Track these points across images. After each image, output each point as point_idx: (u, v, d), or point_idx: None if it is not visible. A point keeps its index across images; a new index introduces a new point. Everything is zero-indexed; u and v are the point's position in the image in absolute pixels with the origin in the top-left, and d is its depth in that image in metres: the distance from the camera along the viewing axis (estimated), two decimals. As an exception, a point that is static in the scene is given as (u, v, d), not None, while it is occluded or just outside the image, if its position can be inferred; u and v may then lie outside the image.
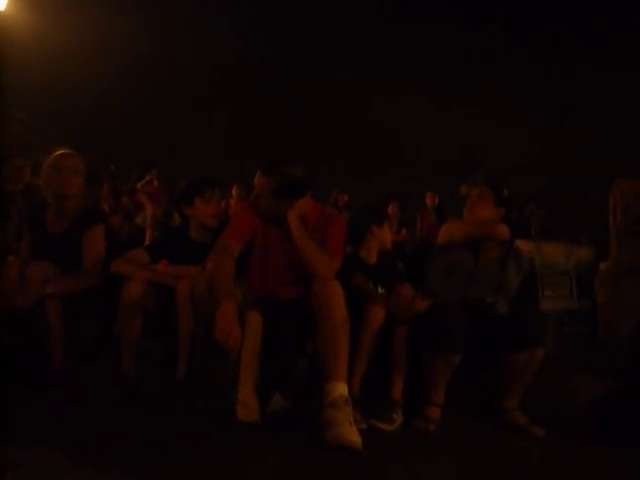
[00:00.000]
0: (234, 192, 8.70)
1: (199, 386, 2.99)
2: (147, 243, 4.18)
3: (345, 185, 8.97)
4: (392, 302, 3.20)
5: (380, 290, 3.46)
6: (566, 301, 4.56)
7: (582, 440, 3.07)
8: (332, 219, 3.24)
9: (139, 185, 9.12)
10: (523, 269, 3.55)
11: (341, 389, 2.74)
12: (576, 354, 4.35)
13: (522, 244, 4.46)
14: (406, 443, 2.90)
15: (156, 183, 9.18)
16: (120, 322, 3.34)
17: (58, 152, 3.71)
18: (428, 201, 9.58)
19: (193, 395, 3.00)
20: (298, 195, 3.10)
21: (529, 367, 3.19)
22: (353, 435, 2.63)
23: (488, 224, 3.50)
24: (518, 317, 3.26)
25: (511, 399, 3.27)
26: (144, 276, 3.33)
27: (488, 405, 3.34)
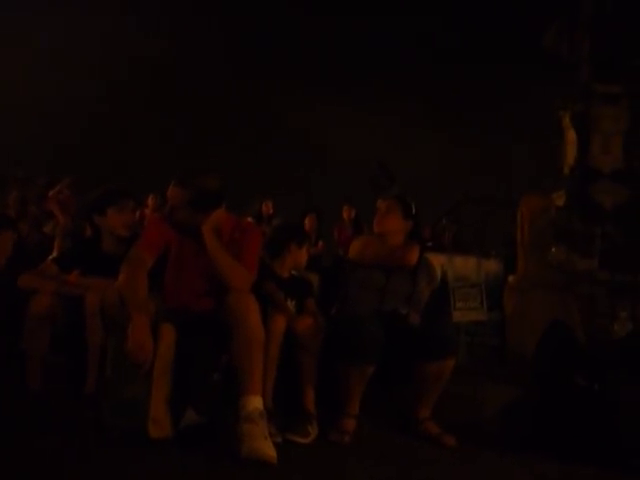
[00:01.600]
0: (150, 202, 8.49)
1: (109, 401, 2.88)
2: (55, 253, 4.02)
3: (272, 195, 8.96)
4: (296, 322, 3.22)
5: (290, 304, 3.46)
6: (476, 313, 4.71)
7: (490, 447, 3.16)
8: (248, 231, 3.21)
9: (50, 193, 8.75)
10: (434, 281, 3.64)
11: (256, 402, 2.71)
12: (486, 364, 4.49)
13: (435, 257, 4.57)
14: (321, 455, 2.90)
15: (67, 192, 8.84)
16: (27, 335, 3.22)
17: None
18: (345, 214, 9.67)
19: (102, 410, 2.89)
20: (213, 207, 3.07)
21: (441, 376, 3.26)
22: (268, 449, 2.61)
23: (399, 253, 3.56)
24: (430, 328, 3.34)
25: (424, 409, 3.33)
26: (53, 287, 3.20)
27: (402, 415, 3.39)
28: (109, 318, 2.92)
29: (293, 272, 3.71)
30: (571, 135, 7.59)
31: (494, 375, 4.15)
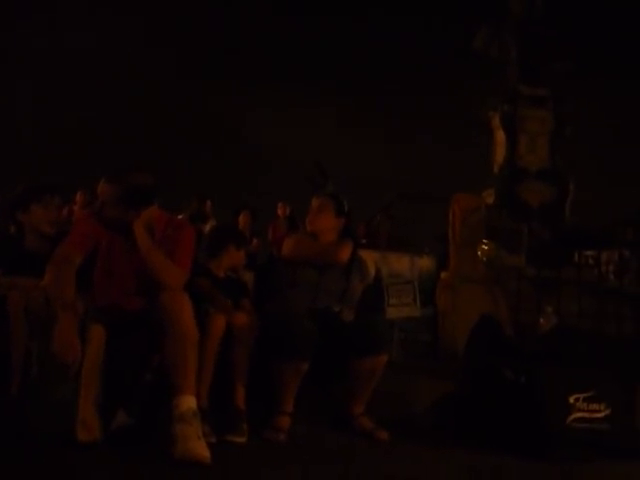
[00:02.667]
0: (78, 198, 8.25)
1: (35, 403, 2.78)
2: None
3: (208, 193, 8.83)
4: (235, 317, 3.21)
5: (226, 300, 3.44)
6: (410, 309, 4.78)
7: (423, 441, 3.22)
8: (181, 229, 3.16)
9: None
10: (367, 278, 3.68)
11: (189, 402, 2.67)
12: (419, 359, 4.56)
13: (369, 254, 4.62)
14: (256, 454, 2.88)
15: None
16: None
17: None
18: (279, 211, 9.65)
19: (28, 413, 2.79)
20: (145, 204, 3.00)
21: (374, 372, 3.30)
22: (202, 449, 2.57)
23: (331, 251, 3.58)
24: (364, 324, 3.37)
25: (358, 405, 3.36)
26: (-28, 287, 3.06)
27: (336, 411, 3.40)
28: (35, 318, 2.82)
29: (228, 273, 3.68)
30: (500, 135, 7.81)
31: (427, 370, 4.23)
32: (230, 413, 3.08)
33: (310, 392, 3.34)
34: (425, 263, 6.03)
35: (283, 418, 3.17)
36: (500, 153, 7.78)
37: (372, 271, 3.79)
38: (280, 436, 3.09)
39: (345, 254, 3.57)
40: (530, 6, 8.11)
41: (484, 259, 5.18)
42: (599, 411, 3.14)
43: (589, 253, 6.83)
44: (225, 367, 3.14)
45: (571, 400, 3.12)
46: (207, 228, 6.40)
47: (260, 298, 3.64)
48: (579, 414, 3.11)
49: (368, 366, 3.26)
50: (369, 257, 4.20)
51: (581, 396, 3.13)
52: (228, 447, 2.88)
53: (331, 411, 3.43)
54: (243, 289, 3.66)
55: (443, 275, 5.49)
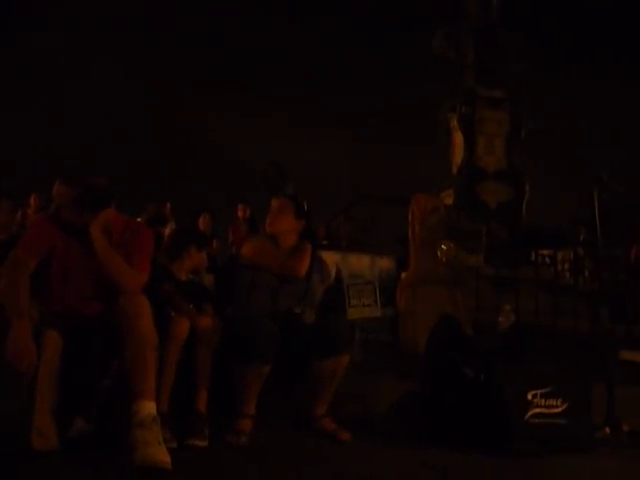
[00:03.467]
0: (32, 202, 8.07)
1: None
2: None
3: (168, 195, 8.74)
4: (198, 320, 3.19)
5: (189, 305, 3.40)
6: (370, 310, 4.79)
7: (385, 440, 3.24)
8: (138, 232, 3.11)
9: None
10: (328, 279, 3.68)
11: (149, 408, 2.63)
12: (380, 359, 4.58)
13: (329, 255, 4.62)
14: (218, 458, 2.86)
15: None
16: None
17: None
18: (239, 213, 9.61)
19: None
20: (101, 206, 2.95)
21: (336, 373, 3.31)
22: (162, 455, 2.53)
23: (290, 265, 3.55)
24: (325, 325, 3.37)
25: (320, 406, 3.36)
26: None
27: (298, 413, 3.40)
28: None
29: (190, 276, 3.64)
30: (458, 137, 7.90)
31: (388, 370, 4.25)
32: (192, 417, 3.06)
33: (272, 394, 3.33)
34: (385, 264, 6.07)
35: (245, 421, 3.15)
36: (458, 154, 7.87)
37: (333, 272, 3.79)
38: (242, 439, 3.07)
39: (303, 268, 3.54)
40: (486, 8, 8.22)
41: (444, 259, 5.24)
42: (556, 406, 3.20)
43: (545, 252, 6.96)
44: (188, 371, 3.11)
45: (529, 396, 3.17)
46: (166, 231, 6.32)
47: (221, 301, 3.61)
48: (537, 410, 3.17)
49: (330, 367, 3.27)
50: (329, 258, 4.20)
51: (539, 392, 3.18)
52: (189, 452, 2.85)
53: (293, 413, 3.43)
54: (205, 293, 3.63)
55: (403, 275, 5.53)
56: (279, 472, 2.74)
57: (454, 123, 7.97)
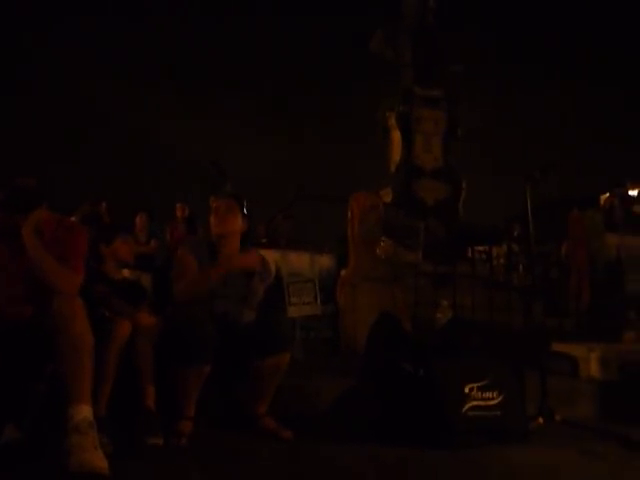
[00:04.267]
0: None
1: None
2: None
3: (104, 194, 8.52)
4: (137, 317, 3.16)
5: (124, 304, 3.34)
6: (310, 307, 4.80)
7: (327, 438, 3.25)
8: (72, 230, 3.03)
9: None
10: (268, 278, 3.65)
11: (85, 412, 2.56)
12: (320, 357, 4.59)
13: (269, 253, 4.60)
14: (157, 461, 2.81)
15: None
16: None
17: None
18: (178, 212, 9.48)
19: None
20: (32, 206, 2.87)
21: (277, 372, 3.31)
22: (99, 460, 2.47)
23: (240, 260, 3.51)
24: (266, 324, 3.36)
25: (261, 405, 3.35)
26: None
27: (239, 413, 3.38)
28: None
29: (125, 273, 3.57)
30: (396, 135, 7.99)
31: (329, 368, 4.26)
32: (143, 415, 3.01)
33: (213, 394, 3.30)
34: (325, 261, 6.08)
35: (184, 423, 3.11)
36: (397, 152, 7.96)
37: (273, 270, 3.77)
38: (182, 441, 3.03)
39: (253, 261, 3.51)
40: (424, 9, 8.34)
41: (382, 256, 5.29)
42: (492, 399, 3.28)
43: (481, 249, 7.12)
44: (132, 371, 3.05)
45: (466, 390, 3.25)
46: (102, 230, 6.17)
47: (160, 301, 3.55)
48: (474, 402, 3.24)
49: (271, 365, 3.27)
50: (269, 256, 4.19)
51: (475, 385, 3.26)
52: (127, 456, 2.79)
53: (234, 413, 3.41)
54: (140, 290, 3.56)
55: (343, 273, 5.55)
56: (220, 473, 2.71)
57: (392, 122, 8.06)
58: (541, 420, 3.53)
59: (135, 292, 3.49)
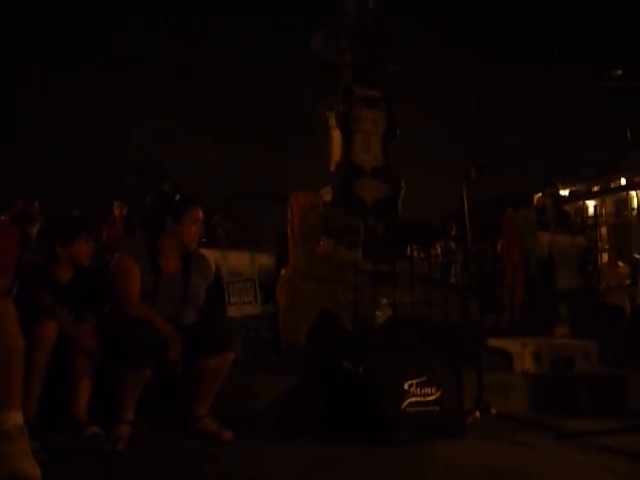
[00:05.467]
0: None
1: None
2: None
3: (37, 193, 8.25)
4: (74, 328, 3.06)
5: (69, 314, 3.22)
6: (251, 307, 4.78)
7: (268, 437, 3.24)
8: (1, 231, 2.92)
9: None
10: (208, 277, 3.61)
11: (15, 418, 2.47)
12: (261, 357, 4.57)
13: (209, 253, 4.55)
14: (94, 466, 2.74)
15: None
16: None
17: None
18: (116, 211, 9.29)
19: None
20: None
21: (220, 372, 3.28)
22: (31, 468, 2.39)
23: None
24: (207, 324, 3.32)
25: (202, 406, 3.31)
26: None
27: (178, 414, 3.33)
28: None
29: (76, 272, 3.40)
30: (336, 134, 8.03)
31: (269, 367, 4.25)
32: (73, 422, 2.93)
33: (154, 396, 3.25)
34: (265, 260, 6.06)
35: (123, 427, 3.05)
36: (336, 152, 8.00)
37: (213, 270, 3.72)
38: (119, 445, 2.97)
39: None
40: (363, 9, 8.41)
41: (322, 255, 5.31)
42: (431, 394, 3.34)
43: (420, 247, 7.23)
44: (62, 377, 2.96)
45: (406, 386, 3.29)
46: (34, 230, 5.98)
47: (97, 302, 3.44)
48: (413, 399, 3.29)
49: (214, 365, 3.24)
50: (209, 255, 4.14)
51: (414, 382, 3.30)
52: (61, 463, 2.71)
53: (175, 414, 3.36)
54: (88, 294, 3.39)
55: (283, 272, 5.54)
56: (157, 477, 2.67)
57: (332, 121, 8.09)
58: (478, 414, 3.61)
59: (81, 296, 3.35)
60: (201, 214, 3.51)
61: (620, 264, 9.25)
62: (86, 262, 3.46)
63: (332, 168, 7.99)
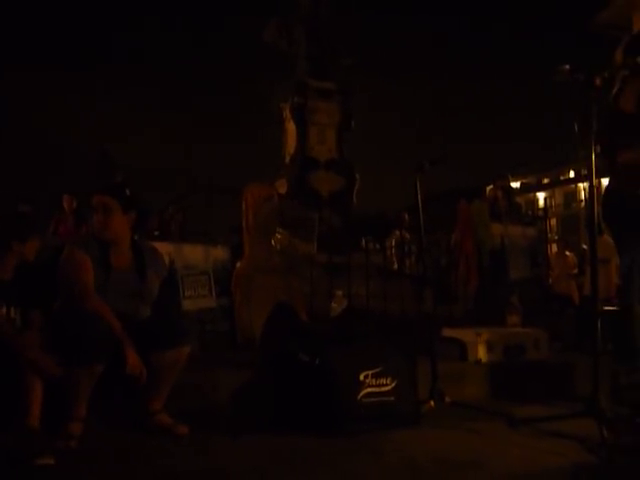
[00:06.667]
0: None
1: None
2: None
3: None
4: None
5: (13, 311, 3.13)
6: (206, 300, 4.74)
7: (224, 431, 3.22)
8: None
9: None
10: (162, 272, 3.55)
11: None
12: (217, 350, 4.55)
13: (163, 246, 4.50)
14: (45, 467, 2.68)
15: None
16: None
17: None
18: (65, 204, 9.09)
19: None
20: None
21: (175, 366, 3.24)
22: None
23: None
24: (163, 318, 3.27)
25: (157, 401, 3.28)
26: None
27: (132, 410, 3.29)
28: None
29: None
30: (291, 126, 8.02)
31: (225, 360, 4.22)
32: (28, 435, 2.82)
33: (108, 392, 3.19)
34: (220, 253, 6.01)
35: (74, 424, 2.98)
36: (291, 144, 7.99)
37: (166, 263, 3.67)
38: (71, 443, 2.91)
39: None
40: (317, 1, 8.40)
41: (278, 248, 5.30)
42: (386, 385, 3.36)
43: (375, 238, 7.29)
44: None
45: (361, 377, 3.31)
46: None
47: (46, 297, 3.36)
48: (369, 389, 3.31)
49: (169, 360, 3.20)
50: (163, 249, 4.09)
51: (370, 372, 3.33)
52: (12, 467, 2.65)
53: (130, 410, 3.31)
54: (34, 293, 3.30)
55: (238, 265, 5.51)
56: (113, 475, 2.63)
57: (287, 113, 8.08)
58: (432, 403, 3.65)
59: (26, 295, 3.26)
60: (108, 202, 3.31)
61: (567, 254, 9.50)
62: (31, 258, 3.38)
63: (287, 160, 7.98)
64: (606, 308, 4.68)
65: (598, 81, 3.01)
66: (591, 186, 3.10)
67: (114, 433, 3.16)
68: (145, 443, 3.05)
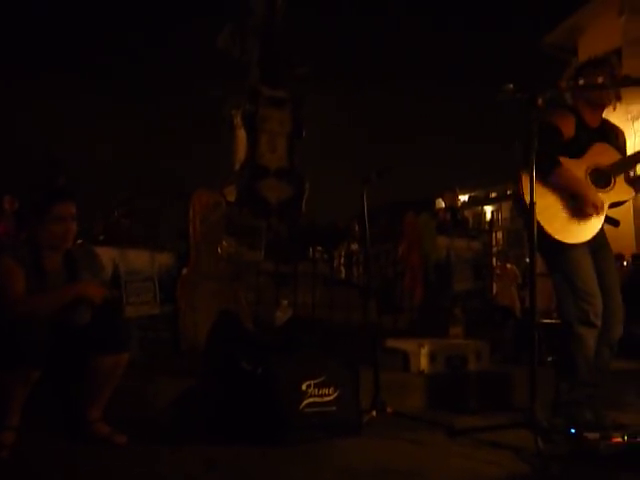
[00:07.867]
0: None
1: None
2: None
3: None
4: None
5: None
6: (149, 307, 4.66)
7: (162, 440, 3.18)
8: None
9: None
10: (99, 274, 3.49)
11: None
12: (159, 358, 4.48)
13: (107, 251, 4.42)
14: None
15: None
16: None
17: None
18: (6, 205, 8.87)
19: None
20: None
21: (114, 373, 3.18)
22: None
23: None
24: (103, 324, 3.21)
25: (95, 409, 3.22)
26: None
27: (69, 419, 3.21)
28: None
29: None
30: (242, 134, 8.00)
31: (167, 368, 4.16)
32: None
33: (43, 399, 3.11)
34: (165, 259, 5.93)
35: (6, 433, 2.90)
36: (241, 151, 7.97)
37: (103, 266, 3.58)
38: (3, 453, 2.82)
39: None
40: (271, 9, 8.41)
41: (224, 255, 5.26)
42: (328, 395, 3.37)
43: (322, 248, 7.31)
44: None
45: (304, 387, 3.31)
46: None
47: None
48: (311, 399, 3.31)
49: (108, 366, 3.14)
50: (106, 254, 4.01)
51: (312, 382, 3.33)
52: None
53: (66, 418, 3.23)
54: None
55: (184, 271, 5.46)
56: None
57: (238, 120, 8.06)
58: (374, 413, 3.67)
59: None
60: (71, 210, 3.27)
61: (509, 266, 9.71)
62: None
63: (237, 167, 7.96)
64: (544, 321, 4.79)
65: (540, 101, 3.10)
66: (532, 203, 3.18)
67: (49, 442, 3.08)
68: (81, 454, 2.98)
